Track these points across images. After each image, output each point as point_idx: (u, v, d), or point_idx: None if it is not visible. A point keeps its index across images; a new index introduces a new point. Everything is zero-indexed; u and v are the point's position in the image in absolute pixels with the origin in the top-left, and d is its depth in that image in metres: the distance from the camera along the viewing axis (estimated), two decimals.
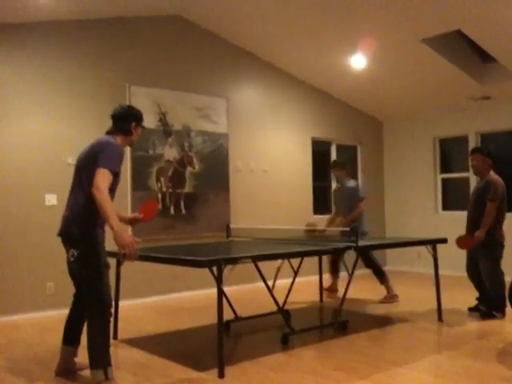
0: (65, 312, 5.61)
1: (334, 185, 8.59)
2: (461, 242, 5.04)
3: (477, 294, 5.24)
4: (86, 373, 3.39)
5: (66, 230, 3.25)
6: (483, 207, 4.91)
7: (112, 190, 3.19)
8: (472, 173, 5.26)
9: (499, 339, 4.25)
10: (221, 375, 3.40)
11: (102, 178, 3.03)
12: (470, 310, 5.25)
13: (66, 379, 3.46)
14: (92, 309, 3.18)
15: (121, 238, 2.99)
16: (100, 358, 3.12)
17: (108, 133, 3.46)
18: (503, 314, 4.98)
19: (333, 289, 6.35)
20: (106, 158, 3.12)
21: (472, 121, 8.07)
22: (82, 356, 3.43)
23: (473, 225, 5.02)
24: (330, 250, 4.31)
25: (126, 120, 3.44)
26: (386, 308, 5.64)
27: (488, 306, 5.04)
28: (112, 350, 4.16)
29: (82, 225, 3.16)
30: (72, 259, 3.22)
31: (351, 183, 6.25)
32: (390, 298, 6.00)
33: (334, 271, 6.37)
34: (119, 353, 4.10)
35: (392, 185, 9.16)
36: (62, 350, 3.51)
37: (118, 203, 6.11)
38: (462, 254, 5.30)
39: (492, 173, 5.06)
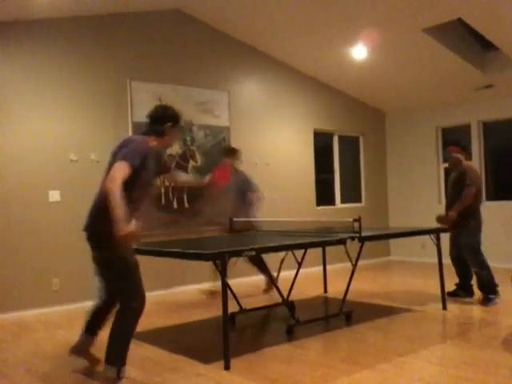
0: (70, 307, 5.67)
1: (336, 177, 8.60)
2: (440, 219, 5.37)
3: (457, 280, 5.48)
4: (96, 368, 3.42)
5: (89, 226, 3.21)
6: (460, 195, 5.19)
7: (141, 185, 3.18)
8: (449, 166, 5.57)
9: (504, 327, 4.26)
10: (227, 367, 3.42)
11: (117, 169, 2.99)
12: (449, 294, 5.39)
13: (76, 374, 3.49)
14: (121, 307, 3.16)
15: (120, 230, 2.85)
16: (117, 356, 3.12)
17: (143, 134, 3.39)
18: (497, 293, 5.19)
19: (268, 288, 6.10)
20: (125, 153, 3.10)
21: (474, 109, 8.04)
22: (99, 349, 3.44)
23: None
24: (333, 240, 4.31)
25: (158, 121, 3.36)
26: (390, 298, 5.66)
27: (483, 292, 5.22)
28: None
29: (104, 222, 2.98)
30: (98, 259, 3.19)
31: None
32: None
33: (265, 271, 5.65)
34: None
35: (395, 175, 9.15)
36: (81, 335, 3.52)
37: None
38: None
39: (465, 162, 5.37)
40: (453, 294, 5.44)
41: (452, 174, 5.53)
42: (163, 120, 3.36)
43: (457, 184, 5.32)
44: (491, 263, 5.21)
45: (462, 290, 5.45)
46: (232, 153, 6.11)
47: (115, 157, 3.15)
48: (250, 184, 6.07)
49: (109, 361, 3.11)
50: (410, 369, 3.37)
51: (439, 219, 5.39)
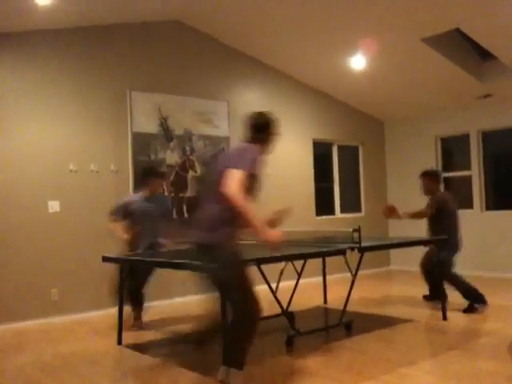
0: (69, 318, 5.64)
1: (336, 187, 8.60)
2: (386, 210, 5.59)
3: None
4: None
5: (207, 238, 3.20)
6: (435, 220, 5.48)
7: (253, 192, 3.19)
8: (424, 192, 5.72)
9: (507, 336, 4.23)
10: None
11: (235, 177, 2.96)
12: (425, 297, 5.76)
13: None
14: (238, 316, 3.14)
15: (267, 235, 2.99)
16: (239, 360, 3.11)
17: (248, 141, 3.36)
18: (484, 302, 5.27)
19: (135, 320, 5.21)
20: (240, 161, 3.07)
21: (473, 119, 8.06)
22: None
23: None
24: (333, 251, 4.30)
25: (262, 129, 3.35)
26: (390, 308, 5.64)
27: (469, 301, 5.31)
28: (118, 356, 4.19)
29: (219, 234, 3.10)
30: (214, 269, 3.19)
31: None
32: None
33: (136, 302, 5.17)
34: (125, 358, 4.10)
35: (394, 184, 9.16)
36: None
37: None
38: (466, 254, 5.29)
39: (440, 190, 5.71)
40: (429, 298, 5.71)
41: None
42: (266, 128, 3.37)
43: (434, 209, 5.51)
44: (491, 273, 5.20)
45: (435, 296, 5.57)
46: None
47: (225, 165, 3.10)
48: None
49: (233, 365, 3.09)
50: (412, 380, 3.34)
51: (387, 209, 5.61)
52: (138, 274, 5.01)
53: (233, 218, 3.05)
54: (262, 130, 3.35)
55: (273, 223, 3.71)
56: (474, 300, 5.26)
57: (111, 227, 5.07)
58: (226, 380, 3.08)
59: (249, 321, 3.13)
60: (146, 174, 5.29)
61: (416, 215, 5.55)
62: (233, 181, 2.94)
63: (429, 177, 5.64)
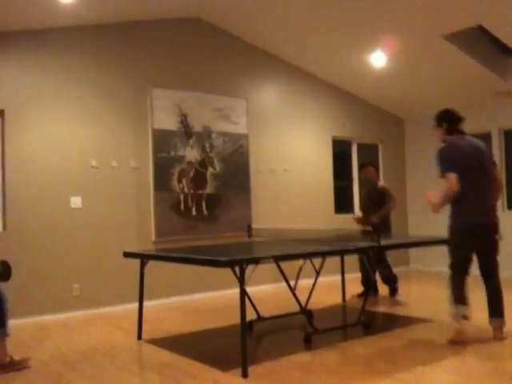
0: (91, 312, 5.73)
1: (355, 185, 8.56)
2: (359, 220, 6.47)
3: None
4: None
5: (491, 218, 4.11)
6: (374, 208, 6.19)
7: None
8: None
9: None
10: (244, 375, 3.42)
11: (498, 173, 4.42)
12: (360, 295, 6.16)
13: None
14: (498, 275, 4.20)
15: None
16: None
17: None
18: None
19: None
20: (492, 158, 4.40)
21: (495, 117, 7.95)
22: None
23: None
24: (352, 249, 4.30)
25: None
26: (409, 308, 5.60)
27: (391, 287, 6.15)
28: (138, 350, 4.25)
29: (496, 214, 4.18)
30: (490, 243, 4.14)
31: None
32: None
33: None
34: (144, 353, 4.16)
35: (414, 182, 9.08)
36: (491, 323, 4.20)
37: (140, 204, 6.19)
38: None
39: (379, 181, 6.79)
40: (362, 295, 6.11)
41: (366, 190, 6.59)
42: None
43: (372, 200, 6.32)
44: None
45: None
46: None
47: (488, 160, 4.24)
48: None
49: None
50: (430, 379, 3.33)
51: (359, 220, 6.46)
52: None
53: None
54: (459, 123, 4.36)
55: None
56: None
57: None
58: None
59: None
60: None
61: (382, 212, 6.18)
62: (499, 176, 4.37)
63: (372, 167, 6.45)
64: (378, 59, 6.93)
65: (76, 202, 5.74)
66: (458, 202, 4.07)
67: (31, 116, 5.55)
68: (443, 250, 5.78)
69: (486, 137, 8.06)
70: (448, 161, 4.09)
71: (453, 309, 4.12)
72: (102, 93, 6.00)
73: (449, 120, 4.29)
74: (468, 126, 8.39)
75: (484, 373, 3.39)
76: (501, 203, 7.86)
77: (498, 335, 4.15)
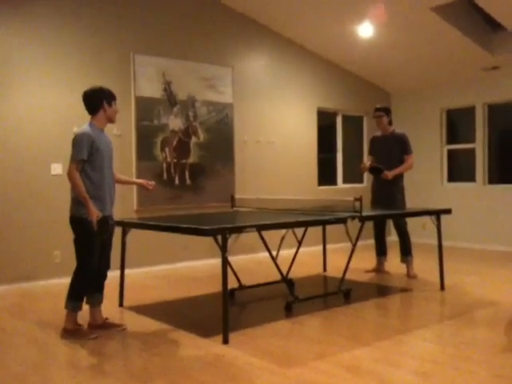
0: None
1: (339, 156, 8.56)
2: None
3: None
4: None
5: None
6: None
7: None
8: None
9: (504, 310, 4.28)
10: (225, 341, 3.46)
11: None
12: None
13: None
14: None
15: None
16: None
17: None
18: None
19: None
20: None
21: (480, 91, 7.96)
22: None
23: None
24: (333, 219, 4.32)
25: None
26: (389, 278, 5.69)
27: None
28: (119, 317, 4.25)
29: None
30: None
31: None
32: None
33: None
34: (125, 320, 4.17)
35: None
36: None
37: (122, 172, 6.11)
38: (467, 227, 5.28)
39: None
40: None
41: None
42: None
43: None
44: (495, 246, 5.21)
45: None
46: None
47: None
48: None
49: None
50: (409, 346, 3.40)
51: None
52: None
53: None
54: None
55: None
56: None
57: None
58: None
59: None
60: None
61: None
62: None
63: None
64: (366, 30, 6.86)
65: (57, 168, 5.65)
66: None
67: (12, 81, 5.40)
68: (424, 221, 5.86)
69: (471, 111, 8.10)
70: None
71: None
72: (84, 58, 5.85)
73: (390, 114, 5.89)
74: (453, 100, 8.46)
75: (463, 342, 3.46)
76: (482, 178, 7.95)
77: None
